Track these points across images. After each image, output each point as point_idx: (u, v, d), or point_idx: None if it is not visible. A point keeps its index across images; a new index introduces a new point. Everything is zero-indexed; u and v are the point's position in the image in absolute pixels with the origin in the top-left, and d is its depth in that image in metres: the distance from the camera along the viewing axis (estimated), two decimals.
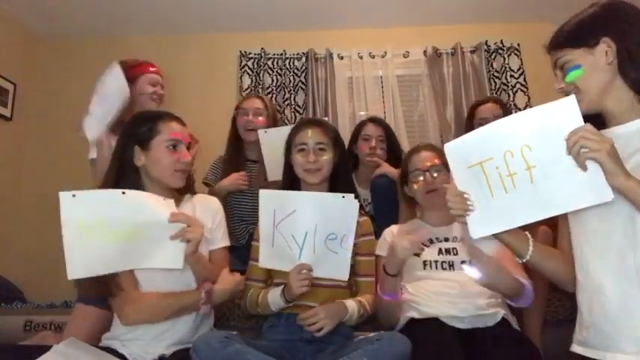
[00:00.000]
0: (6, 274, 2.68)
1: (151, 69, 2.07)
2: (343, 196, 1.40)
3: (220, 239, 1.56)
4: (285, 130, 1.79)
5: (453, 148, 1.18)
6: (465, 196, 1.17)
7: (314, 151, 1.59)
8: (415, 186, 1.67)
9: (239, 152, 2.31)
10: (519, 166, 1.08)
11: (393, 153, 2.33)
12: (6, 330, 2.17)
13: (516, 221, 1.12)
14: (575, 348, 1.13)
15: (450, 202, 1.19)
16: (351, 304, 1.49)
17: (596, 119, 1.12)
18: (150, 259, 1.33)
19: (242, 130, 2.28)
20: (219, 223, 1.56)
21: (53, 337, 1.88)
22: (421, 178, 1.65)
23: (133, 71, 2.01)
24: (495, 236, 1.16)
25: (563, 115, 1.02)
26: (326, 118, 2.95)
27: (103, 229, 1.26)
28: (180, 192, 1.54)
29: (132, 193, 1.31)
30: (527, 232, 1.19)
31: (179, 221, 1.31)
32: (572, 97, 1.03)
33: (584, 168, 1.00)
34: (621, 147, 1.02)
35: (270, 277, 1.61)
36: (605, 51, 1.09)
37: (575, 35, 1.14)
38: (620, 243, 1.04)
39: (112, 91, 1.89)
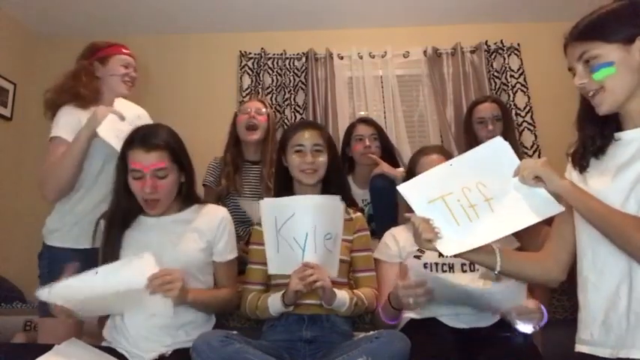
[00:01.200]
0: (6, 274, 2.68)
1: (124, 50, 1.95)
2: (332, 198, 1.50)
3: (225, 252, 1.55)
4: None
5: (409, 188, 1.24)
6: (431, 222, 1.17)
7: (311, 153, 1.61)
8: None
9: (238, 153, 2.31)
10: (478, 199, 1.18)
11: (386, 151, 2.33)
12: (6, 330, 2.18)
13: (482, 240, 1.17)
14: (581, 348, 1.10)
15: (419, 228, 1.16)
16: (340, 292, 1.47)
17: (603, 118, 1.11)
18: (139, 309, 1.39)
19: (242, 129, 2.27)
20: (222, 236, 1.54)
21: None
22: None
23: (103, 51, 1.92)
24: (461, 255, 1.18)
25: (499, 152, 1.19)
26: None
27: (86, 307, 1.34)
28: (186, 203, 1.55)
29: (104, 270, 1.30)
30: (497, 245, 1.21)
31: (155, 286, 1.27)
32: (499, 138, 1.19)
33: (539, 187, 1.11)
34: (638, 150, 1.02)
35: (269, 279, 1.61)
36: None
37: (609, 27, 1.03)
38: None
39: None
